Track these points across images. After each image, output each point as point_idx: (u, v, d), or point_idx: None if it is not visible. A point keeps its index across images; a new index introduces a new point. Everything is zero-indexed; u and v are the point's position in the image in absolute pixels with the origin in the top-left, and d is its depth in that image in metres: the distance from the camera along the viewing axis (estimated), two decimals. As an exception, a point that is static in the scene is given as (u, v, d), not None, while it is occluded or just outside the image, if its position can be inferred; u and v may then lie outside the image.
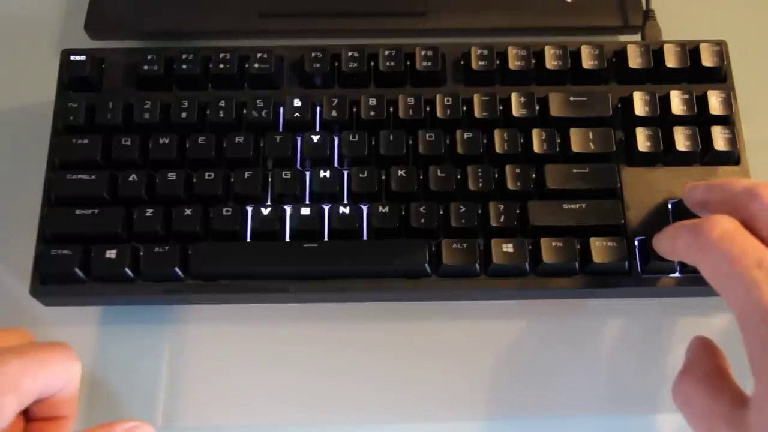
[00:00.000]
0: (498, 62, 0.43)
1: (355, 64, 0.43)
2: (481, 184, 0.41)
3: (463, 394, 0.41)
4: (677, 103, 0.42)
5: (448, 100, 0.42)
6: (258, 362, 0.41)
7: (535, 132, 0.42)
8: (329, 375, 0.41)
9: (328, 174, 0.41)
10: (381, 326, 0.42)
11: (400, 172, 0.41)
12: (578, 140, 0.41)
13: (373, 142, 0.42)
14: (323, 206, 0.40)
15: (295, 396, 0.41)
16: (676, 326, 0.42)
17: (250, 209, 0.40)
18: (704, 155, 0.41)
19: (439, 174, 0.41)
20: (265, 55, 0.43)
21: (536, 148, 0.41)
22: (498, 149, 0.41)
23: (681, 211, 0.40)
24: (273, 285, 0.40)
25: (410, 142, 0.42)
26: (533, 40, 0.44)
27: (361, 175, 0.41)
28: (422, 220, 0.40)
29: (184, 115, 0.42)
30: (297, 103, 0.42)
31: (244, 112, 0.42)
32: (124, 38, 0.48)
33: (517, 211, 0.40)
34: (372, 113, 0.42)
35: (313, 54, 0.43)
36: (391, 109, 0.43)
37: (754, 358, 0.28)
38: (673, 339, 0.42)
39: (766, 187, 0.32)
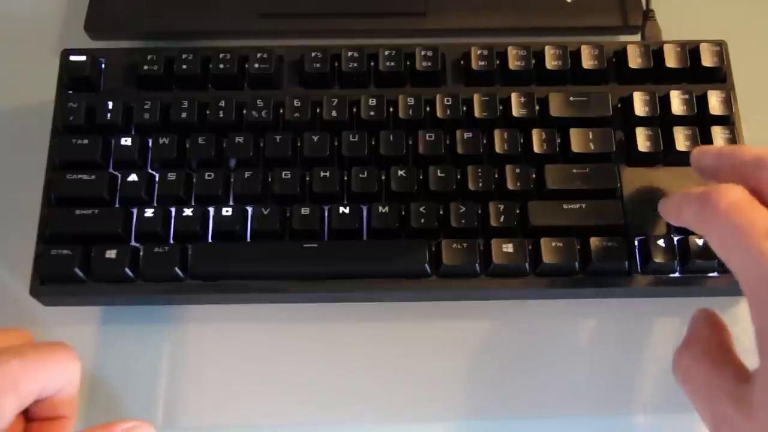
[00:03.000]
0: (498, 62, 0.43)
1: (355, 64, 0.43)
2: (481, 184, 0.41)
3: (462, 394, 0.41)
4: (677, 103, 0.42)
5: (448, 100, 0.42)
6: (258, 362, 0.41)
7: (535, 132, 0.42)
8: (329, 375, 0.41)
9: (328, 174, 0.41)
10: (381, 326, 0.42)
11: (400, 172, 0.41)
12: (578, 140, 0.41)
13: (373, 142, 0.42)
14: (323, 206, 0.40)
15: (295, 396, 0.41)
16: (675, 326, 0.42)
17: (249, 209, 0.40)
18: (704, 155, 0.41)
19: (439, 174, 0.41)
20: (265, 55, 0.43)
21: (536, 148, 0.41)
22: (498, 149, 0.41)
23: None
24: (273, 285, 0.40)
25: (410, 142, 0.42)
26: (533, 40, 0.44)
27: (361, 175, 0.41)
28: (422, 220, 0.40)
29: (184, 115, 0.42)
30: (297, 103, 0.42)
31: (244, 112, 0.42)
32: (124, 38, 0.48)
33: (517, 211, 0.40)
34: (372, 113, 0.42)
35: (313, 54, 0.43)
36: (391, 109, 0.43)
37: (761, 331, 0.27)
38: (673, 339, 0.42)
39: None
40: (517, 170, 0.41)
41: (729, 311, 0.42)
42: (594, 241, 0.39)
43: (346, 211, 0.40)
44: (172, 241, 0.40)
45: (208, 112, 0.42)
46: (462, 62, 0.44)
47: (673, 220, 0.35)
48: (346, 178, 0.41)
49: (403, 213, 0.40)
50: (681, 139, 0.41)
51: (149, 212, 0.40)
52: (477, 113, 0.42)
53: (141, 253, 0.39)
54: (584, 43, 0.43)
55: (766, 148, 0.32)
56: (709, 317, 0.34)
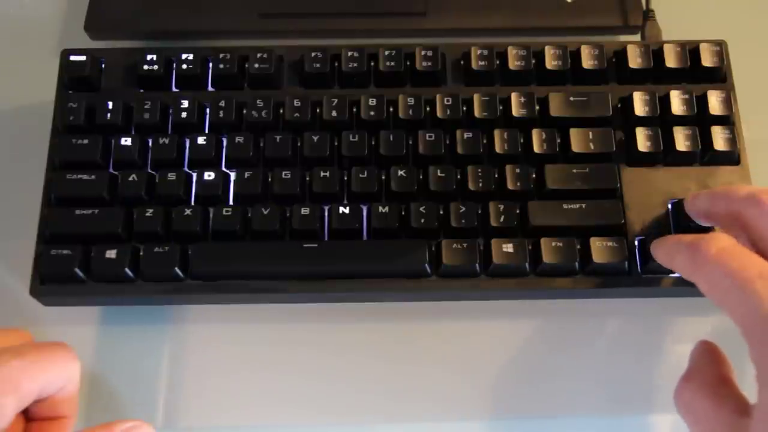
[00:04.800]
0: (498, 62, 0.43)
1: (355, 64, 0.43)
2: (481, 184, 0.41)
3: (462, 394, 0.41)
4: (677, 103, 0.42)
5: (448, 100, 0.42)
6: (258, 362, 0.41)
7: (535, 132, 0.42)
8: (329, 375, 0.41)
9: (328, 174, 0.41)
10: (381, 326, 0.42)
11: (400, 172, 0.41)
12: (578, 140, 0.41)
13: (373, 142, 0.42)
14: (323, 206, 0.40)
15: (295, 396, 0.41)
16: (676, 326, 0.42)
17: (250, 209, 0.40)
18: (704, 155, 0.41)
19: (439, 174, 0.41)
20: (265, 55, 0.43)
21: (536, 148, 0.41)
22: (498, 149, 0.41)
23: (681, 211, 0.40)
24: (273, 285, 0.40)
25: (410, 142, 0.42)
26: (533, 40, 0.44)
27: (361, 175, 0.41)
28: (422, 220, 0.40)
29: (184, 115, 0.42)
30: (297, 103, 0.42)
31: (244, 112, 0.42)
32: (124, 38, 0.48)
33: (517, 211, 0.40)
34: (372, 113, 0.42)
35: (313, 54, 0.43)
36: (391, 109, 0.43)
37: (760, 368, 0.28)
38: (673, 339, 0.42)
39: None
40: (517, 170, 0.41)
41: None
42: (594, 241, 0.39)
43: (346, 211, 0.40)
44: (172, 241, 0.40)
45: (208, 112, 0.42)
46: (462, 62, 0.44)
47: (665, 264, 0.36)
48: (346, 178, 0.41)
49: (403, 213, 0.40)
50: (681, 139, 0.41)
51: (149, 212, 0.40)
52: (477, 113, 0.42)
53: (141, 253, 0.39)
54: (584, 43, 0.43)
55: (759, 187, 0.33)
56: (709, 350, 0.34)
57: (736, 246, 0.31)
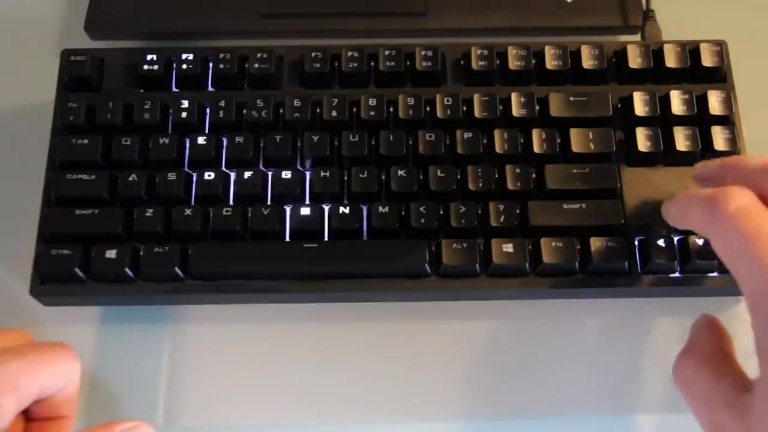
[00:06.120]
0: (498, 62, 0.43)
1: (355, 64, 0.43)
2: (481, 184, 0.41)
3: (462, 394, 0.41)
4: (677, 103, 0.42)
5: (448, 100, 0.42)
6: (258, 362, 0.41)
7: (535, 132, 0.42)
8: (329, 375, 0.41)
9: (328, 174, 0.41)
10: (381, 326, 0.42)
11: (400, 172, 0.41)
12: (578, 140, 0.41)
13: (373, 142, 0.42)
14: (323, 206, 0.40)
15: (294, 396, 0.41)
16: (676, 326, 0.42)
17: (250, 209, 0.40)
18: (704, 155, 0.41)
19: (439, 174, 0.41)
20: (265, 55, 0.43)
21: (536, 148, 0.41)
22: (498, 149, 0.41)
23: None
24: (273, 285, 0.40)
25: (410, 142, 0.42)
26: (533, 40, 0.44)
27: (361, 175, 0.41)
28: (422, 220, 0.40)
29: (184, 115, 0.42)
30: (297, 103, 0.42)
31: (244, 112, 0.42)
32: (124, 38, 0.48)
33: (517, 211, 0.40)
34: (372, 113, 0.42)
35: (313, 54, 0.43)
36: (391, 109, 0.43)
37: (761, 342, 0.27)
38: (673, 339, 0.42)
39: None
40: (517, 170, 0.41)
41: (729, 311, 0.42)
42: (594, 241, 0.39)
43: (346, 211, 0.40)
44: (172, 241, 0.40)
45: (208, 112, 0.42)
46: (462, 62, 0.44)
47: (678, 222, 0.34)
48: (346, 178, 0.41)
49: (403, 213, 0.40)
50: (681, 139, 0.41)
51: (149, 212, 0.40)
52: (477, 113, 0.42)
53: (141, 253, 0.39)
54: (584, 43, 0.43)
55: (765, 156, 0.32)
56: (710, 324, 0.33)
57: (755, 204, 0.29)
